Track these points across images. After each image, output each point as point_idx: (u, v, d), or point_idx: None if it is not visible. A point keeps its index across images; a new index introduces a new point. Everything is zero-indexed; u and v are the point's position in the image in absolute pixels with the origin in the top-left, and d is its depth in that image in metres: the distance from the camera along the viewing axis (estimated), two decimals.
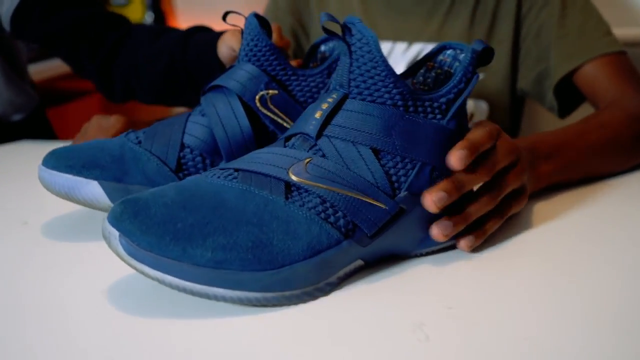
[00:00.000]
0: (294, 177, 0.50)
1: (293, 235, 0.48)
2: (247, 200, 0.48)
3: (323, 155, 0.52)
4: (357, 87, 0.52)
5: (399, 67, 1.00)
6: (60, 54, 0.97)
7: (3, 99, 0.94)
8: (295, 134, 0.54)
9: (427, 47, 1.01)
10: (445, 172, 0.55)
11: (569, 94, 0.95)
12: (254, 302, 0.47)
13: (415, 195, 0.53)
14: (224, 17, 0.67)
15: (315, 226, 0.49)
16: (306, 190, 0.50)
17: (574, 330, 0.46)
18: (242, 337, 0.45)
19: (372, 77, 0.51)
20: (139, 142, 0.63)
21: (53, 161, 0.60)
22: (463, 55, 0.57)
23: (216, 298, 0.46)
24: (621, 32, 1.04)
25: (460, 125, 0.55)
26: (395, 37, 1.04)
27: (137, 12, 1.93)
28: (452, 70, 0.58)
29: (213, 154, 0.63)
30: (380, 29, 1.05)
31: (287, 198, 0.49)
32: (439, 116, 0.54)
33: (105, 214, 0.47)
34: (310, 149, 0.52)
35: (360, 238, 0.51)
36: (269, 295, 0.47)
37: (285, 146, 0.53)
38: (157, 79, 0.90)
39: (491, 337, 0.45)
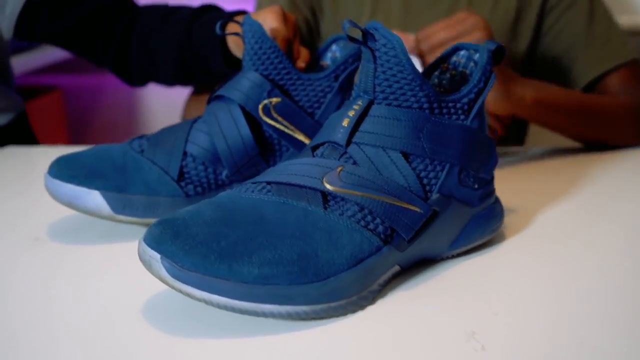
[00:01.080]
0: (329, 186, 0.49)
1: (336, 245, 0.47)
2: (287, 213, 0.48)
3: (354, 163, 0.51)
4: (383, 92, 0.52)
5: None
6: (72, 51, 0.96)
7: None
8: (322, 143, 0.53)
9: None
10: (472, 172, 0.55)
11: None
12: (303, 316, 0.46)
13: (446, 196, 0.53)
14: (221, 28, 0.66)
15: (356, 234, 0.48)
16: (342, 199, 0.49)
17: (627, 331, 0.46)
18: (294, 355, 0.44)
19: (398, 81, 0.51)
20: (142, 151, 0.63)
21: (56, 170, 0.60)
22: (478, 55, 0.57)
23: (265, 315, 0.45)
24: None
25: (482, 124, 0.56)
26: None
27: None
28: (467, 71, 0.59)
29: (216, 162, 0.63)
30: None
31: (325, 208, 0.49)
32: (462, 117, 0.54)
33: (141, 235, 0.46)
34: (341, 157, 0.52)
35: (399, 243, 0.51)
36: (316, 307, 0.46)
37: (313, 156, 0.53)
38: (171, 67, 0.89)
39: (546, 344, 0.44)
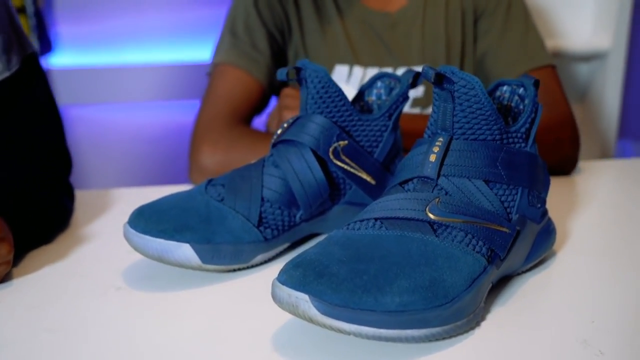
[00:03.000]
0: (432, 216, 0.54)
1: (455, 269, 0.52)
2: (408, 244, 0.52)
3: (446, 193, 0.56)
4: (461, 128, 0.57)
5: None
6: None
7: None
8: (411, 179, 0.58)
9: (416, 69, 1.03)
10: (536, 193, 0.61)
11: None
12: (437, 337, 0.50)
13: (522, 217, 0.59)
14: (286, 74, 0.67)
15: (469, 257, 0.53)
16: (447, 226, 0.54)
17: None
18: None
19: (476, 117, 0.57)
20: (222, 199, 0.64)
21: (143, 224, 0.61)
22: (522, 89, 0.64)
23: (407, 340, 0.49)
24: None
25: (536, 149, 0.63)
26: (382, 63, 1.07)
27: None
28: (511, 104, 0.65)
29: (290, 206, 0.66)
30: (362, 56, 1.08)
31: (437, 236, 0.53)
32: (523, 144, 0.61)
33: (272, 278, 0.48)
34: (434, 189, 0.56)
35: (496, 262, 0.56)
36: (447, 327, 0.50)
37: (405, 191, 0.57)
38: None
39: None
